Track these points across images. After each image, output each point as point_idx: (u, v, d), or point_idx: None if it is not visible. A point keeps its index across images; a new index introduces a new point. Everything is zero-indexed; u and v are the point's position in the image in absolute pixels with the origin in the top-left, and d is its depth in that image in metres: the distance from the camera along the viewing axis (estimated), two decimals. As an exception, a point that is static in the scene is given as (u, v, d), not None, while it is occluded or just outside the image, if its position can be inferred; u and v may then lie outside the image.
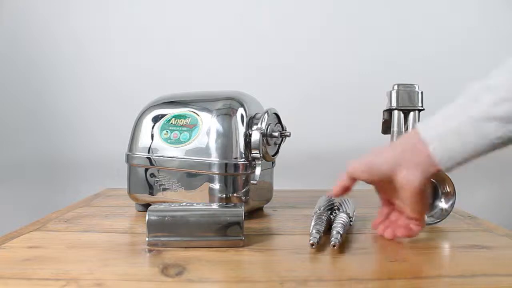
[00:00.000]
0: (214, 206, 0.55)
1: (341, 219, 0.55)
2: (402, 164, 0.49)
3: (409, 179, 0.49)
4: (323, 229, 0.54)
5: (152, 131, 0.70)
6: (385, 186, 0.53)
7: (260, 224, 0.65)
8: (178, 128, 0.68)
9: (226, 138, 0.65)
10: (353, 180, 0.54)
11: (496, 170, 1.13)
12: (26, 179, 1.11)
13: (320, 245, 0.51)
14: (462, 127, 0.45)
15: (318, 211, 0.59)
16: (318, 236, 0.51)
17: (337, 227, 0.53)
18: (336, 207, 0.64)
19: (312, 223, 0.55)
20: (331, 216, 0.59)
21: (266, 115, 0.65)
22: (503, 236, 0.58)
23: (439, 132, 0.47)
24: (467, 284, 0.41)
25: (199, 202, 0.61)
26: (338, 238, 0.51)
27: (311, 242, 0.50)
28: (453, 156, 0.46)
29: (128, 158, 0.72)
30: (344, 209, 0.60)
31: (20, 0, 1.09)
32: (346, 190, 0.55)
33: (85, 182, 1.10)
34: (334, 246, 0.50)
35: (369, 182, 0.54)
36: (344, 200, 0.65)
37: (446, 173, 0.62)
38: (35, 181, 1.12)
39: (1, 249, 0.51)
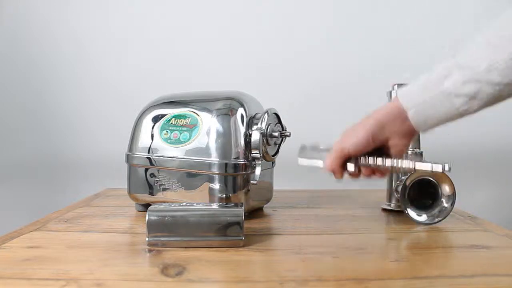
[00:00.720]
0: (214, 206, 0.55)
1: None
2: (390, 132, 0.55)
3: (399, 145, 0.55)
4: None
5: (152, 131, 0.70)
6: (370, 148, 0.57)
7: (260, 224, 0.65)
8: (178, 128, 0.68)
9: (226, 138, 0.65)
10: (345, 157, 0.57)
11: (496, 170, 1.13)
12: (26, 179, 1.11)
13: (321, 245, 0.51)
14: (435, 99, 0.52)
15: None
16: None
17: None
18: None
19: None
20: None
21: (266, 115, 0.65)
22: (503, 236, 0.58)
23: (416, 101, 0.53)
24: (467, 284, 0.41)
25: (199, 202, 0.61)
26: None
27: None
28: (427, 121, 0.53)
29: (128, 158, 0.72)
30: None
31: (20, 0, 1.09)
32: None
33: (85, 182, 1.10)
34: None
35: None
36: None
37: (447, 174, 0.63)
38: (35, 181, 1.12)
39: (1, 249, 0.51)
